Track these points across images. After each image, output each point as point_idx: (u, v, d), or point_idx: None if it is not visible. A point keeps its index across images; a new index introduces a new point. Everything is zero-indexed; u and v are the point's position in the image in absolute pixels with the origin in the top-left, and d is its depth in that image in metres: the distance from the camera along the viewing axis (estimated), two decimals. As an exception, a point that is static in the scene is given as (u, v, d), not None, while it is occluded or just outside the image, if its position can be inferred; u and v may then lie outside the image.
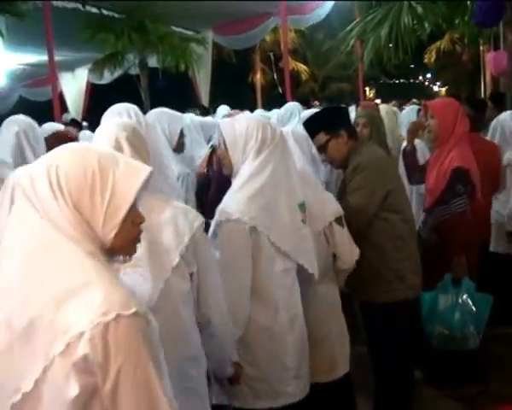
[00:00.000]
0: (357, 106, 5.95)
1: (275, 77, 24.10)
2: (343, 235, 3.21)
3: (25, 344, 1.43)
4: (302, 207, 2.88)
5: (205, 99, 14.55)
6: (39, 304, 1.43)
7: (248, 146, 2.78)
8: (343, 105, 8.13)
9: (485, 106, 6.86)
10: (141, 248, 1.78)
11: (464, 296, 3.95)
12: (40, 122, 4.77)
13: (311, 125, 3.56)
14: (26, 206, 1.52)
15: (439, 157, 4.08)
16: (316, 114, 4.02)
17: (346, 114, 3.94)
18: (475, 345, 3.97)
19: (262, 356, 2.82)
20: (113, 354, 1.41)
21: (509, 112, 5.63)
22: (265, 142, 2.79)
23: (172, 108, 4.57)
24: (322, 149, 3.55)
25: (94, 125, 6.04)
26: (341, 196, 3.53)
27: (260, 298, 2.79)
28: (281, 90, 23.17)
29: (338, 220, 3.18)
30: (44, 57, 9.57)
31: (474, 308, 3.95)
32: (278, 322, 2.83)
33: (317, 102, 15.88)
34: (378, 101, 21.90)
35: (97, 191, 1.51)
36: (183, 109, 4.73)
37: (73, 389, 1.41)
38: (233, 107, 6.70)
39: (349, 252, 3.23)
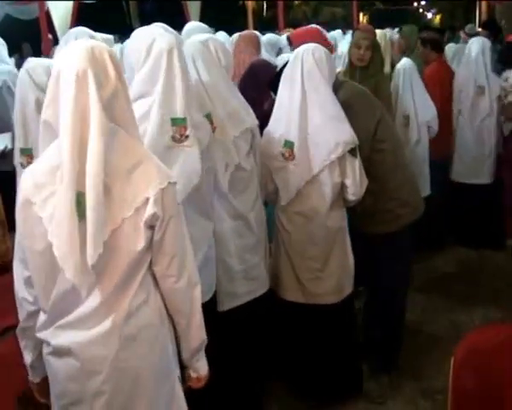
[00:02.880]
0: (353, 31, 5.84)
1: (265, 1, 23.63)
2: (355, 166, 3.19)
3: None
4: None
5: (195, 21, 14.25)
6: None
7: None
8: (338, 30, 8.00)
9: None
10: None
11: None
12: (27, 40, 4.65)
13: None
14: None
15: None
16: None
17: None
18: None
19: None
20: (167, 210, 2.00)
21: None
22: None
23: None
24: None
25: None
26: None
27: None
28: (269, 15, 22.78)
29: (351, 151, 3.16)
30: (31, -26, 9.32)
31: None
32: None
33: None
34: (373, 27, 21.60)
35: None
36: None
37: (141, 243, 1.98)
38: (224, 31, 6.54)
39: (359, 183, 3.25)
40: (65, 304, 2.03)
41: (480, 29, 7.62)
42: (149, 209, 1.95)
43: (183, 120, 2.59)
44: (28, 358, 2.30)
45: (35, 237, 1.99)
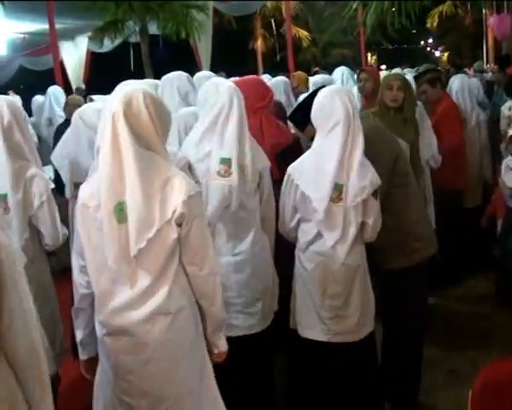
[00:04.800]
0: (358, 73, 5.92)
1: (276, 44, 23.93)
2: (375, 207, 3.29)
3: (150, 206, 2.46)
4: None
5: (206, 66, 14.43)
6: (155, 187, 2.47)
7: None
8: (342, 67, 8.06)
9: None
10: None
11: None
12: (41, 91, 4.76)
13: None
14: None
15: None
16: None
17: None
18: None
19: None
20: (192, 211, 2.49)
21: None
22: None
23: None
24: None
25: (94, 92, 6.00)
26: None
27: None
28: (278, 58, 23.03)
29: (373, 193, 3.25)
30: (44, 26, 9.50)
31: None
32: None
33: (318, 69, 15.76)
34: (383, 67, 21.73)
35: None
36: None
37: (174, 233, 2.47)
38: (234, 74, 6.64)
39: (377, 225, 3.32)
40: (114, 288, 2.54)
41: (486, 66, 7.71)
42: (179, 210, 2.46)
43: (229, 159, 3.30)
44: (79, 335, 2.78)
45: (90, 233, 2.57)
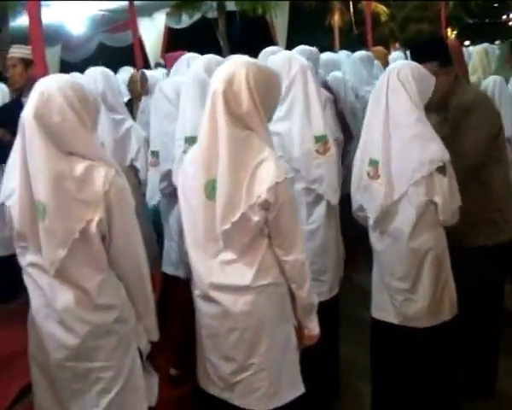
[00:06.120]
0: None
1: (353, 19, 23.60)
2: (443, 185, 3.13)
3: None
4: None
5: (282, 42, 14.37)
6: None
7: None
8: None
9: None
10: None
11: None
12: (120, 68, 4.82)
13: (423, 51, 3.57)
14: None
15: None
16: (431, 41, 4.04)
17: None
18: None
19: None
20: (279, 198, 2.48)
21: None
22: None
23: (249, 52, 4.52)
24: None
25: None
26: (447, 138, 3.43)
27: None
28: (356, 32, 22.70)
29: (440, 169, 3.11)
30: (123, 3, 9.62)
31: None
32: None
33: (396, 44, 15.46)
34: (467, 42, 21.14)
35: None
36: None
37: (257, 217, 2.48)
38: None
39: (448, 202, 3.17)
40: (202, 257, 2.65)
41: None
42: (263, 196, 2.45)
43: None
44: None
45: (188, 195, 2.66)
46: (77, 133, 2.43)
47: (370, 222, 3.34)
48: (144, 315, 2.71)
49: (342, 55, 7.23)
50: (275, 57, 3.68)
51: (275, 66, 3.28)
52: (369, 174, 3.23)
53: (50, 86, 2.44)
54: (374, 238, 3.38)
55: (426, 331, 3.30)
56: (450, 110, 3.58)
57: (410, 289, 3.26)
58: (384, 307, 3.39)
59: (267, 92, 2.54)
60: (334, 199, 3.55)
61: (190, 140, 3.40)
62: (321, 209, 3.57)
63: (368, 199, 3.29)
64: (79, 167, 2.42)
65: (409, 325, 3.31)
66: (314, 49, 5.24)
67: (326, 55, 6.74)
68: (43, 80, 2.51)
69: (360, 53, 6.55)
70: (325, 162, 3.46)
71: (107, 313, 2.53)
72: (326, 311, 3.22)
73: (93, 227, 2.42)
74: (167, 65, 5.11)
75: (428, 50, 3.61)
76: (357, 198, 3.40)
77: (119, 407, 2.59)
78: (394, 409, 3.51)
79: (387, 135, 3.16)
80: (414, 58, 3.53)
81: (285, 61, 3.54)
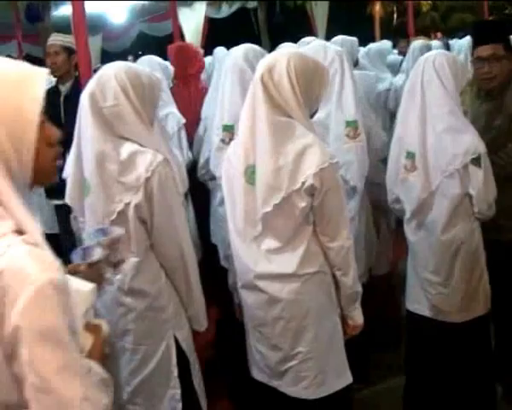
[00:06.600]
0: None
1: (394, 8, 23.32)
2: (478, 177, 3.09)
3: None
4: None
5: (321, 32, 14.28)
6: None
7: None
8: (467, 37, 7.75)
9: None
10: None
11: None
12: (160, 56, 4.84)
13: (490, 30, 3.46)
14: None
15: None
16: (500, 21, 3.98)
17: None
18: None
19: None
20: (325, 184, 2.48)
21: None
22: None
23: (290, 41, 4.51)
24: (485, 61, 3.40)
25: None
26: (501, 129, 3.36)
27: None
28: (396, 23, 22.44)
29: (474, 161, 3.06)
30: (164, -8, 9.65)
31: None
32: None
33: (438, 34, 15.25)
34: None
35: None
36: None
37: (303, 202, 2.49)
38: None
39: (483, 194, 3.12)
40: (243, 246, 2.68)
41: None
42: (309, 181, 2.46)
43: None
44: (230, 281, 3.11)
45: (228, 186, 2.72)
46: (128, 118, 2.49)
47: (407, 215, 3.31)
48: (188, 304, 2.73)
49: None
50: (309, 46, 3.70)
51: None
52: (406, 167, 3.21)
53: (108, 71, 2.54)
54: (408, 230, 3.36)
55: (459, 326, 3.27)
56: (507, 100, 3.46)
57: (442, 282, 3.24)
58: (418, 300, 3.38)
59: (309, 82, 2.54)
60: (360, 185, 3.57)
61: (228, 128, 3.43)
62: (355, 200, 3.60)
63: (405, 192, 3.27)
64: (125, 151, 2.48)
65: (441, 319, 3.28)
66: (354, 38, 5.24)
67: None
68: (105, 66, 2.62)
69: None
70: (355, 148, 3.50)
71: (140, 299, 2.58)
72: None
73: (131, 211, 2.47)
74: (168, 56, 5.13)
75: (496, 30, 3.48)
76: (393, 190, 3.38)
77: (149, 390, 2.64)
78: (426, 403, 3.49)
79: (423, 127, 3.13)
80: (477, 38, 3.43)
81: (320, 49, 3.58)
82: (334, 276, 2.71)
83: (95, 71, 2.83)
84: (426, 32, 18.76)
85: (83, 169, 2.54)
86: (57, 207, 4.67)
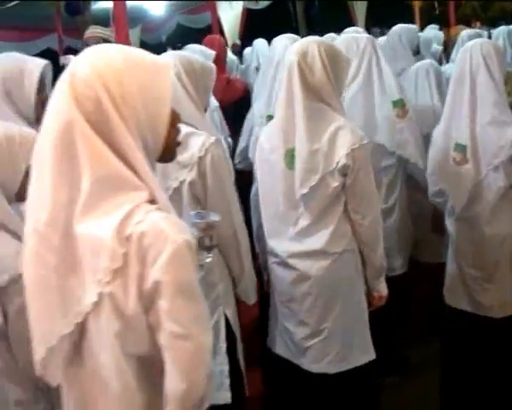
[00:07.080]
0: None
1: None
2: None
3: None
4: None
5: (361, 22, 14.16)
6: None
7: None
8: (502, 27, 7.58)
9: None
10: None
11: None
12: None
13: None
14: None
15: None
16: None
17: None
18: None
19: None
20: (356, 163, 2.63)
21: None
22: None
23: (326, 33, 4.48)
24: None
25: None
26: None
27: None
28: (437, 11, 22.10)
29: None
30: (202, -16, 9.65)
31: None
32: None
33: (478, 23, 14.99)
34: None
35: None
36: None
37: (336, 182, 2.66)
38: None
39: None
40: (281, 226, 2.84)
41: None
42: (342, 161, 2.62)
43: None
44: (260, 259, 3.22)
45: (263, 174, 2.91)
46: (182, 103, 2.61)
47: (456, 209, 3.24)
48: (240, 279, 2.84)
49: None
50: (338, 40, 3.77)
51: (342, 47, 3.33)
52: (455, 160, 3.13)
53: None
54: (450, 223, 3.30)
55: (499, 322, 3.21)
56: None
57: (485, 277, 3.18)
58: (457, 294, 3.32)
59: (337, 66, 2.71)
60: (421, 161, 3.59)
61: (270, 118, 3.44)
62: (396, 189, 3.67)
63: (454, 185, 3.19)
64: (181, 132, 2.56)
65: (482, 313, 3.23)
66: (413, 26, 5.38)
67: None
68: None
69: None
70: (407, 126, 3.58)
71: None
72: (397, 286, 3.32)
73: (185, 188, 2.61)
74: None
75: None
76: (436, 183, 3.32)
77: None
78: (463, 398, 3.44)
79: (473, 117, 3.07)
80: None
81: (351, 40, 3.68)
82: (361, 253, 2.85)
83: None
84: (466, 21, 18.47)
85: None
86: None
